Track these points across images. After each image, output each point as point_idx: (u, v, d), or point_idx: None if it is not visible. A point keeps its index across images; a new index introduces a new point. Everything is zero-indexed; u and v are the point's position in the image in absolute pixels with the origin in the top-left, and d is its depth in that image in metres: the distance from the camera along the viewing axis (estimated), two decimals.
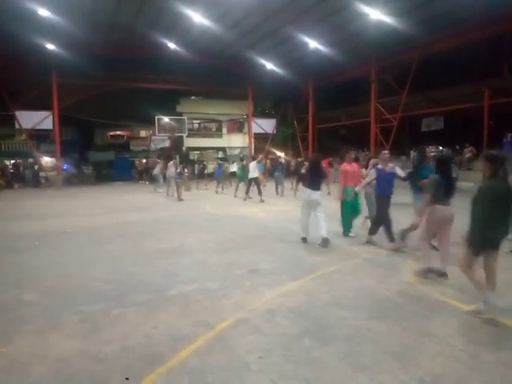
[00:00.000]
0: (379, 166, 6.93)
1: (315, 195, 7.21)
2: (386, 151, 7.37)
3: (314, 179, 7.29)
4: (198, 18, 16.96)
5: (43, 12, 15.76)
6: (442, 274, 5.17)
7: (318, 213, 7.21)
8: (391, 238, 6.80)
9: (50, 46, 19.85)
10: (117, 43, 20.99)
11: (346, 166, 7.75)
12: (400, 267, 5.73)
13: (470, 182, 17.18)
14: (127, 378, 2.99)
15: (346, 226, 7.92)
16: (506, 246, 6.53)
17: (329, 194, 14.34)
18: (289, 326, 3.82)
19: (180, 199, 14.97)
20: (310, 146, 28.47)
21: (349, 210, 7.82)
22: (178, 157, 24.88)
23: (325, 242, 6.97)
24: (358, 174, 7.98)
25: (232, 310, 4.25)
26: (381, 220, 6.96)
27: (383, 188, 6.86)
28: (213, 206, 13.37)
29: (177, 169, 16.16)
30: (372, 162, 7.80)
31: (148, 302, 4.52)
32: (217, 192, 17.77)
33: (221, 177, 18.81)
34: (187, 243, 7.57)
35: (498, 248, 3.94)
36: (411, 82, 19.90)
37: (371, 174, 7.07)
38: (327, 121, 28.35)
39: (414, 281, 5.12)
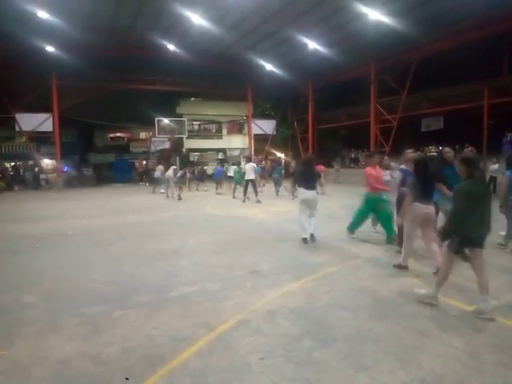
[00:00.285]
0: (403, 167, 6.51)
1: (309, 194, 7.36)
2: (410, 150, 6.84)
3: (307, 179, 7.46)
4: (197, 19, 16.98)
5: (42, 14, 15.78)
6: (403, 267, 5.59)
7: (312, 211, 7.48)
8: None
9: (50, 48, 19.87)
10: (116, 45, 21.02)
11: (370, 170, 7.23)
12: (402, 267, 5.71)
13: None
14: (127, 378, 2.99)
15: (355, 225, 7.71)
16: (509, 247, 6.59)
17: (322, 193, 14.54)
18: (289, 327, 3.82)
19: (179, 198, 15.30)
20: (310, 146, 28.49)
21: (369, 211, 7.52)
22: (177, 159, 24.92)
23: (312, 238, 7.42)
24: (382, 178, 7.46)
25: (233, 311, 4.25)
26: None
27: None
28: (213, 207, 13.38)
29: (176, 174, 16.25)
30: (392, 164, 7.68)
31: (149, 303, 4.52)
32: (218, 193, 17.79)
33: (221, 178, 18.84)
34: (187, 244, 7.57)
35: (481, 246, 4.10)
36: (411, 82, 19.92)
37: (397, 177, 6.67)
38: (327, 121, 28.36)
39: (415, 281, 5.12)
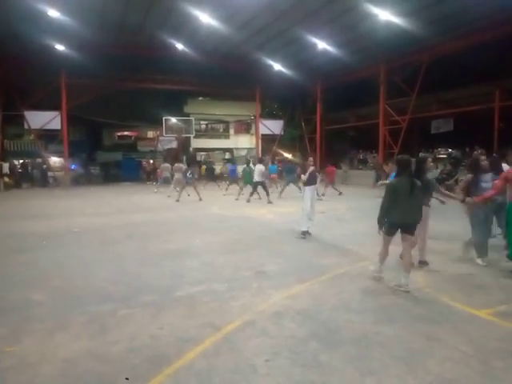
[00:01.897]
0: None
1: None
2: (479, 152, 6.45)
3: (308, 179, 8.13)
4: (205, 18, 16.98)
5: (53, 13, 15.88)
6: (423, 263, 5.87)
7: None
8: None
9: (59, 47, 20.00)
10: (125, 44, 21.10)
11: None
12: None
13: None
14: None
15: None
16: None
17: (323, 195, 15.16)
18: (296, 329, 3.80)
19: (200, 199, 15.23)
20: (317, 147, 28.40)
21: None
22: (184, 158, 24.94)
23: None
24: None
25: (239, 311, 4.23)
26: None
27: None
28: (220, 207, 13.38)
29: (186, 173, 16.16)
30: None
31: (155, 303, 4.52)
32: (225, 195, 17.62)
33: (235, 177, 18.48)
34: (194, 244, 7.58)
35: (406, 231, 4.91)
36: (421, 83, 19.76)
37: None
38: (335, 122, 28.25)
39: (423, 285, 5.07)
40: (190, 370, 3.11)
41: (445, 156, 21.84)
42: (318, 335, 3.67)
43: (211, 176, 22.49)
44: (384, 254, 5.18)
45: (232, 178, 18.53)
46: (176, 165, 16.85)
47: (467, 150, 19.85)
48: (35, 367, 3.17)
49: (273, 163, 22.40)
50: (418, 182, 4.88)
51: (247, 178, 15.87)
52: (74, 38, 19.11)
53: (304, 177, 8.04)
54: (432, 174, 8.23)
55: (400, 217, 4.83)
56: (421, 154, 6.57)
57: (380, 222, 4.96)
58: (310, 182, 8.14)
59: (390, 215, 4.87)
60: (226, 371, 3.08)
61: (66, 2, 15.35)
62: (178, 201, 14.77)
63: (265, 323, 3.94)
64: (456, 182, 17.60)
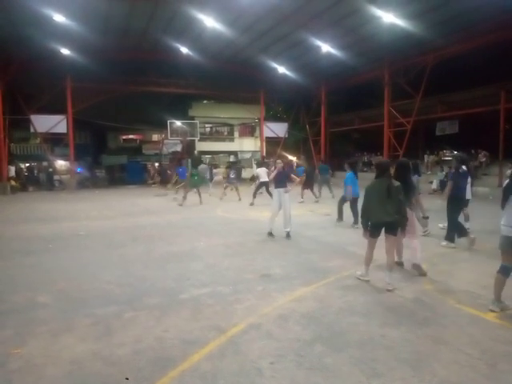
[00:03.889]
0: None
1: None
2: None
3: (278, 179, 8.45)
4: (210, 22, 17.04)
5: (58, 17, 16.01)
6: (399, 264, 6.03)
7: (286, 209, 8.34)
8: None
9: (65, 51, 20.15)
10: (130, 48, 21.23)
11: None
12: (415, 273, 5.64)
13: (485, 187, 16.95)
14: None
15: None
16: None
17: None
18: (301, 332, 3.79)
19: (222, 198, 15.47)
20: (322, 149, 28.35)
21: None
22: (189, 161, 24.95)
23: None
24: None
25: (244, 314, 4.23)
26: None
27: None
28: (224, 209, 13.39)
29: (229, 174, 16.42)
30: None
31: (159, 305, 4.53)
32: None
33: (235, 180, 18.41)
34: (199, 247, 7.58)
35: (388, 231, 5.07)
36: (425, 85, 19.69)
37: None
38: (340, 124, 28.20)
39: (429, 288, 5.04)
40: (195, 372, 3.11)
41: (450, 158, 21.69)
42: (323, 338, 3.65)
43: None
44: (369, 257, 5.31)
45: (181, 180, 17.48)
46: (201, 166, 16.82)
47: (473, 152, 19.72)
48: (41, 369, 3.19)
49: (298, 165, 21.48)
50: (396, 183, 5.06)
51: (193, 180, 15.26)
52: (79, 43, 19.25)
53: (271, 177, 8.45)
54: (437, 176, 8.50)
55: (379, 217, 5.03)
56: (402, 159, 6.90)
57: (363, 224, 5.26)
58: (278, 184, 8.38)
59: (371, 216, 5.11)
60: (231, 374, 3.08)
61: (72, 7, 15.46)
62: (181, 205, 14.54)
63: (270, 326, 3.93)
64: None
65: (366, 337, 3.67)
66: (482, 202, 15.07)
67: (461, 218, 7.69)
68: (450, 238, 7.41)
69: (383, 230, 5.12)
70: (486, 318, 4.07)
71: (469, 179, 7.92)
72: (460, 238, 7.36)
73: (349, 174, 9.54)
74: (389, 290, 4.90)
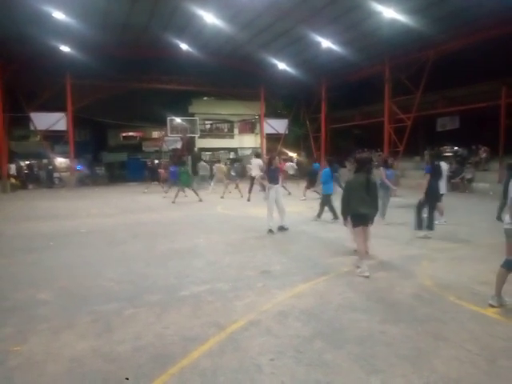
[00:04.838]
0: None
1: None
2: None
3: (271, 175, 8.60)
4: (210, 18, 17.00)
5: (58, 15, 15.97)
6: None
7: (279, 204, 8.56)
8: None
9: (65, 48, 20.12)
10: (130, 44, 21.20)
11: None
12: (415, 270, 5.65)
13: (486, 182, 16.93)
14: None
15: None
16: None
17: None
18: (301, 328, 3.79)
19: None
20: (322, 146, 28.33)
21: None
22: (190, 158, 24.95)
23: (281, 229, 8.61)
24: None
25: (243, 311, 4.24)
26: None
27: None
28: (224, 206, 13.39)
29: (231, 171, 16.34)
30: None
31: (160, 302, 4.53)
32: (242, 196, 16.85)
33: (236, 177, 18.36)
34: (199, 244, 7.59)
35: (366, 223, 5.57)
36: (426, 80, 19.63)
37: None
38: (340, 121, 28.15)
39: (428, 284, 5.04)
40: (195, 369, 3.12)
41: (451, 154, 21.64)
42: (323, 334, 3.66)
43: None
44: (362, 250, 5.56)
45: (172, 180, 17.21)
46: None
47: (474, 147, 19.67)
48: (41, 366, 3.20)
49: (316, 161, 20.36)
50: (374, 179, 5.54)
51: (184, 179, 15.21)
52: (79, 40, 19.22)
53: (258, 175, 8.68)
54: None
55: (358, 209, 5.39)
56: (362, 154, 7.59)
57: (343, 214, 5.68)
58: (272, 180, 8.52)
59: (351, 208, 5.46)
60: (231, 370, 3.08)
61: (71, 3, 15.43)
62: (173, 202, 14.39)
63: (269, 322, 3.93)
64: (462, 179, 17.50)
65: (365, 333, 3.67)
66: (482, 197, 15.10)
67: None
68: (429, 226, 7.80)
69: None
70: (486, 314, 4.07)
71: (443, 174, 8.41)
72: (418, 229, 7.87)
73: (325, 170, 9.82)
74: (366, 277, 5.25)
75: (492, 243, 6.74)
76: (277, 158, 9.22)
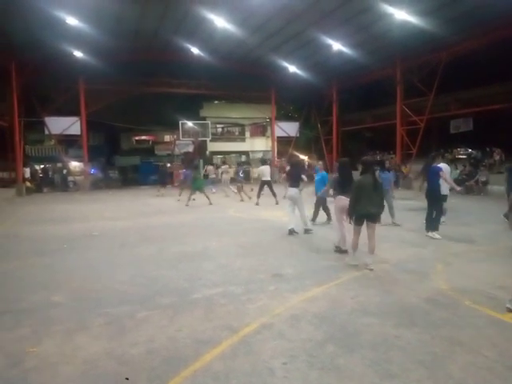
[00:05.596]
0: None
1: (291, 192, 8.62)
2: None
3: (292, 178, 8.78)
4: (220, 22, 17.09)
5: (71, 20, 16.23)
6: (343, 252, 6.62)
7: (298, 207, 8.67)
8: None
9: (78, 53, 20.43)
10: (141, 49, 21.44)
11: None
12: (429, 273, 5.57)
13: (500, 185, 16.64)
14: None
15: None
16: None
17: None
18: (313, 332, 3.76)
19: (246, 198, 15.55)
20: (333, 148, 28.22)
21: None
22: (201, 161, 25.03)
23: (306, 231, 8.65)
24: None
25: (256, 314, 4.22)
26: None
27: None
28: (236, 209, 13.40)
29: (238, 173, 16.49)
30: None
31: (172, 305, 4.54)
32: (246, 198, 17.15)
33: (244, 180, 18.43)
34: (211, 247, 7.60)
35: (371, 220, 5.77)
36: (438, 82, 19.44)
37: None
38: (352, 123, 28.01)
39: (444, 288, 4.97)
40: (208, 372, 3.11)
41: (464, 156, 21.40)
42: (336, 338, 3.62)
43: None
44: (355, 243, 5.95)
45: (185, 181, 17.69)
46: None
47: (487, 149, 19.41)
48: (56, 368, 3.22)
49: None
50: (380, 179, 5.91)
51: (195, 183, 15.16)
52: (92, 45, 19.50)
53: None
54: (452, 174, 8.73)
55: (367, 208, 5.67)
56: (342, 158, 7.78)
57: (350, 213, 5.90)
58: (293, 183, 8.66)
59: (358, 207, 5.71)
60: (243, 374, 3.07)
61: (84, 10, 15.67)
62: (187, 205, 14.45)
63: (282, 326, 3.91)
64: (476, 182, 17.25)
65: (379, 338, 3.62)
66: (497, 200, 14.84)
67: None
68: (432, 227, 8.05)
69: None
70: (504, 320, 3.98)
71: (447, 175, 8.46)
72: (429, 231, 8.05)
73: (323, 173, 9.73)
74: (370, 270, 5.67)
75: (508, 246, 6.61)
76: (320, 162, 9.80)
